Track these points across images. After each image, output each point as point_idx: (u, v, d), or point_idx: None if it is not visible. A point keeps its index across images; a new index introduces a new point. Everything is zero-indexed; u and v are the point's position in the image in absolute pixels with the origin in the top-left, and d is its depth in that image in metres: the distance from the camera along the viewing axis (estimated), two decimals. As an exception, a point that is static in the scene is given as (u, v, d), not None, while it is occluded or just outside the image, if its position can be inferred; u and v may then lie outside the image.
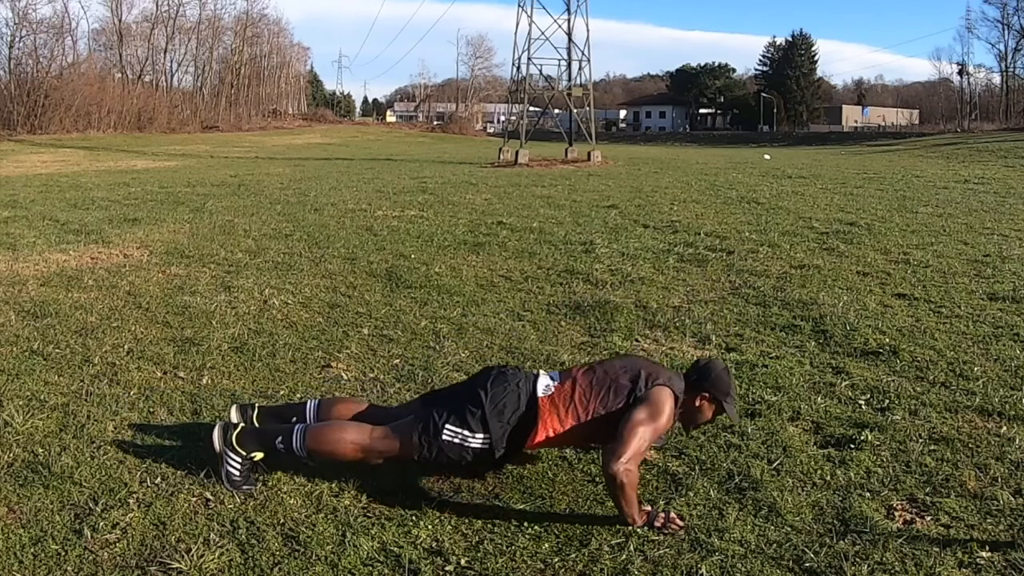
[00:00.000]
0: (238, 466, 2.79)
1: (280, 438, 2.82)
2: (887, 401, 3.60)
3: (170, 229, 8.52)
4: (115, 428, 3.24)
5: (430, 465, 2.82)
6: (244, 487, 2.77)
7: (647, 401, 2.68)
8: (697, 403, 2.80)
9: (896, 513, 2.64)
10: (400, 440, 2.77)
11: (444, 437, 2.73)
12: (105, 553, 2.37)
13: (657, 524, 2.52)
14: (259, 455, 2.83)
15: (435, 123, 74.85)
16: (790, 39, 77.78)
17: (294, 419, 3.01)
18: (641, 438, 2.58)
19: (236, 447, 2.79)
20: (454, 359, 4.18)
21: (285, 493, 2.74)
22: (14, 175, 16.70)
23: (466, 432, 2.73)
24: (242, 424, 2.91)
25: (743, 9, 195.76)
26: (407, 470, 2.93)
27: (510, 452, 2.78)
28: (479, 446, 2.74)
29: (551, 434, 2.76)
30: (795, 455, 3.05)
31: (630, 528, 2.52)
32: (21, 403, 3.45)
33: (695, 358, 4.13)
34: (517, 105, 26.23)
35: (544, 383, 2.83)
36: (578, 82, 23.62)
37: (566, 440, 2.83)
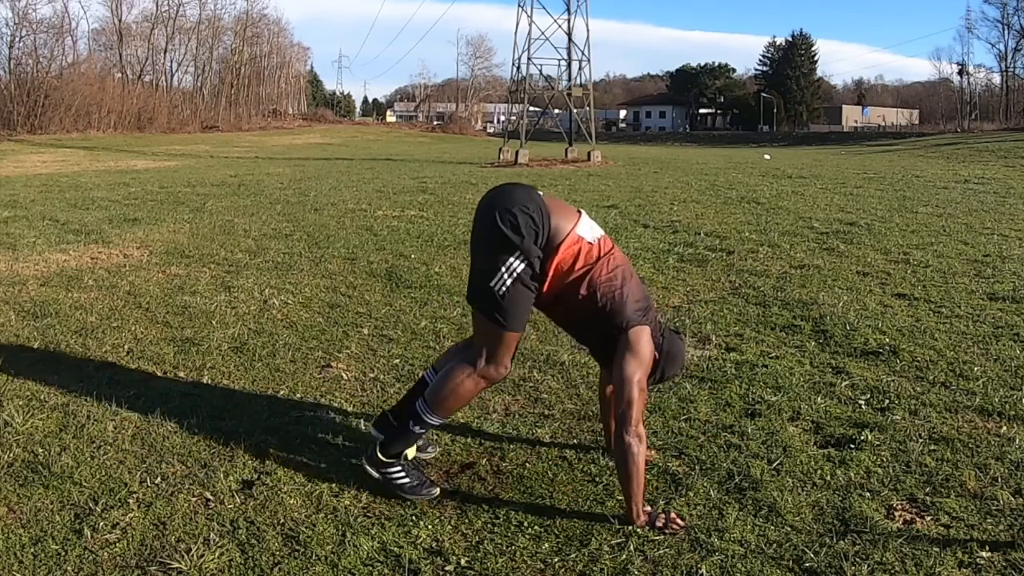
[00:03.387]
0: (403, 475, 2.72)
1: (415, 426, 2.73)
2: (887, 401, 3.60)
3: (170, 229, 8.52)
4: (115, 428, 3.24)
5: (521, 318, 2.63)
6: (424, 489, 2.70)
7: (632, 349, 2.62)
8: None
9: (896, 513, 2.64)
10: (488, 337, 2.63)
11: (500, 292, 2.54)
12: (105, 553, 2.37)
13: (658, 524, 2.52)
14: (411, 452, 2.78)
15: (435, 123, 74.85)
16: (790, 39, 77.98)
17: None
18: (639, 389, 2.58)
19: (385, 461, 2.72)
20: (454, 359, 4.18)
21: (285, 493, 2.74)
22: (14, 175, 16.69)
23: (502, 269, 2.54)
24: (374, 439, 2.83)
25: (743, 9, 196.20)
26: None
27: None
28: (523, 267, 2.55)
29: (560, 271, 2.61)
30: (795, 455, 3.05)
31: (630, 528, 2.52)
32: (21, 403, 3.45)
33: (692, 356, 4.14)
34: (517, 105, 26.22)
35: (587, 224, 2.65)
36: (578, 82, 23.63)
37: (566, 292, 2.64)
